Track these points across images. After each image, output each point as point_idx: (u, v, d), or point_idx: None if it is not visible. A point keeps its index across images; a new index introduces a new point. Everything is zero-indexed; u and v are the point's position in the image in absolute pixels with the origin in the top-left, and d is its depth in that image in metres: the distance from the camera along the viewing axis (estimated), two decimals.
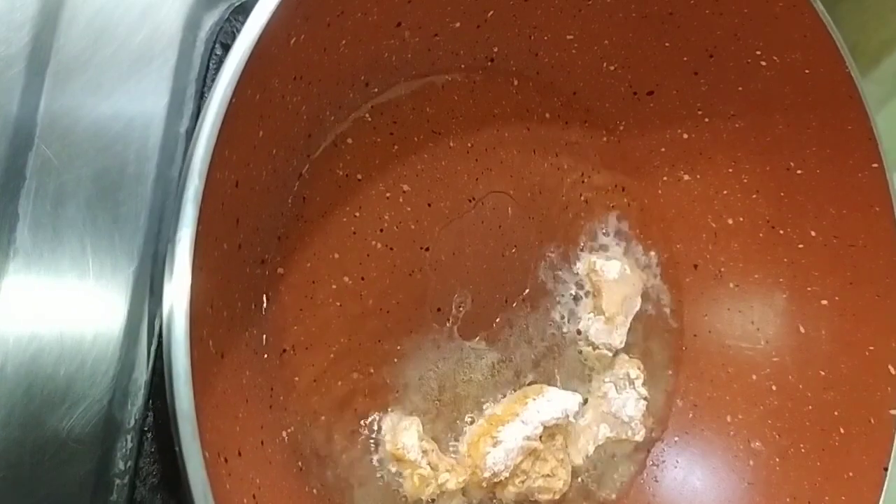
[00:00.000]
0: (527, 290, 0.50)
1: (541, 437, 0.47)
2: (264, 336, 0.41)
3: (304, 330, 0.42)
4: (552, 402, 0.47)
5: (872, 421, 0.49)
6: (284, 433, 0.41)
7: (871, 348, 0.50)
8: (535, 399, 0.47)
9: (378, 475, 0.44)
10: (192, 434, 0.27)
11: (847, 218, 0.51)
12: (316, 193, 0.43)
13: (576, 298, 0.51)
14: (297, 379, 0.42)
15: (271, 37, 0.34)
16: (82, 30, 0.42)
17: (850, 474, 0.48)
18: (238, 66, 0.30)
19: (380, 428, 0.44)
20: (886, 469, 0.46)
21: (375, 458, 0.44)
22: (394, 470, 0.44)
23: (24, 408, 0.38)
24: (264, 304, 0.41)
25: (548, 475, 0.47)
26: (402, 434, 0.43)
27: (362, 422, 0.44)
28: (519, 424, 0.46)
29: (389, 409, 0.45)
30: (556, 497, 0.48)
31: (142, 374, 0.41)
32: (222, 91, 0.29)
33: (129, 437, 0.41)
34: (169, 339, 0.28)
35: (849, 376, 0.50)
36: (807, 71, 0.49)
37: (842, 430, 0.50)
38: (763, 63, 0.50)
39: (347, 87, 0.44)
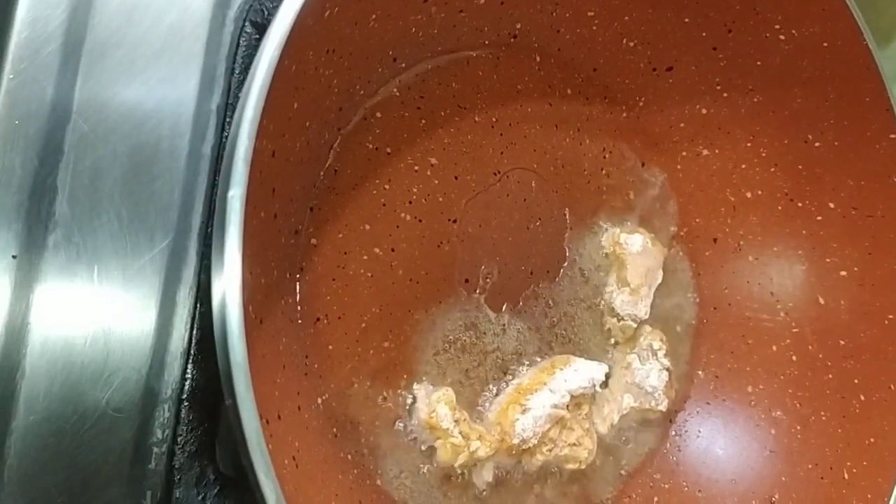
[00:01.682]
0: (552, 263, 0.51)
1: (567, 406, 0.47)
2: (298, 305, 0.42)
3: (337, 299, 0.43)
4: (579, 372, 0.48)
5: (893, 387, 0.49)
6: (319, 400, 0.42)
7: (891, 317, 0.50)
8: (562, 369, 0.48)
9: (409, 443, 0.45)
10: (246, 384, 0.28)
11: (865, 189, 0.51)
12: (347, 166, 0.44)
13: (600, 271, 0.52)
14: (330, 347, 0.43)
15: (309, 8, 0.35)
16: (116, 8, 0.43)
17: (872, 440, 0.49)
18: (285, 32, 0.31)
19: (414, 398, 0.45)
20: None
21: (408, 426, 0.45)
22: (426, 438, 0.45)
23: (64, 378, 0.39)
24: (298, 274, 0.42)
25: (574, 444, 0.48)
26: (436, 404, 0.44)
27: (394, 391, 0.44)
28: (547, 393, 0.47)
29: (422, 379, 0.45)
30: (582, 466, 0.49)
31: (178, 345, 0.42)
32: (270, 54, 0.30)
33: (166, 407, 0.41)
34: (225, 298, 0.28)
35: (868, 345, 0.51)
36: (825, 44, 0.49)
37: (862, 398, 0.50)
38: (781, 37, 0.50)
39: (376, 61, 0.45)
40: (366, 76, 0.44)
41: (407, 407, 0.45)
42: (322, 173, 0.43)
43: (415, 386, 0.45)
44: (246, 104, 0.29)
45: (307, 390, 0.41)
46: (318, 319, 0.43)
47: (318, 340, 0.42)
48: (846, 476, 0.49)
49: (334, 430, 0.42)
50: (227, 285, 0.29)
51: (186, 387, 0.42)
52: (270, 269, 0.39)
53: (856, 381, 0.51)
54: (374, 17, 0.42)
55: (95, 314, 0.40)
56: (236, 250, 0.28)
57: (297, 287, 0.42)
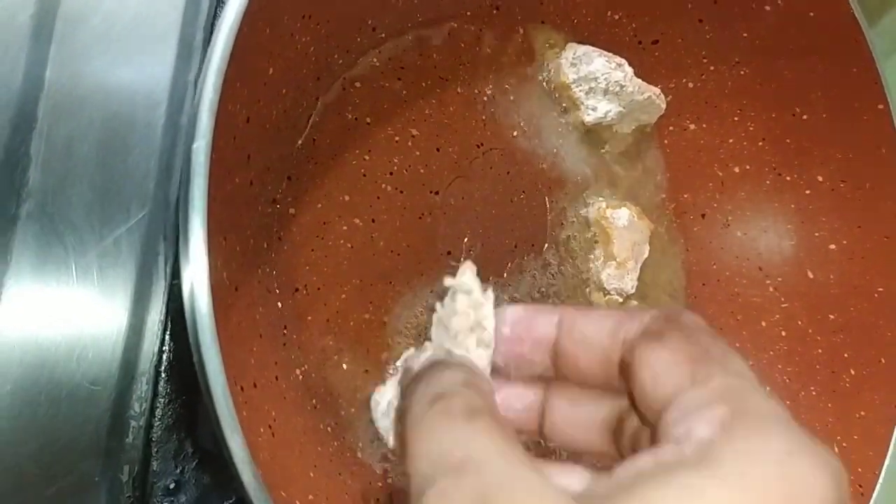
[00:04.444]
0: (536, 236, 0.50)
1: None
2: (276, 275, 0.41)
3: (316, 270, 0.43)
4: None
5: (883, 361, 0.49)
6: (298, 371, 0.41)
7: (880, 289, 0.50)
8: None
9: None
10: (212, 339, 0.27)
11: (854, 162, 0.51)
12: (326, 136, 0.43)
13: (586, 245, 0.52)
14: (309, 318, 0.42)
15: None
16: None
17: (862, 413, 0.48)
18: None
19: (396, 370, 0.44)
20: None
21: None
22: None
23: (37, 349, 0.38)
24: (276, 244, 0.41)
25: None
26: None
27: (376, 363, 0.44)
28: None
29: (403, 351, 0.45)
30: None
31: (156, 317, 0.41)
32: (236, 7, 0.29)
33: (144, 380, 0.41)
34: (189, 249, 0.28)
35: (858, 319, 0.50)
36: (811, 14, 0.49)
37: (852, 372, 0.50)
38: (767, 7, 0.50)
39: (355, 30, 0.44)
40: (344, 45, 0.44)
41: (389, 379, 0.44)
42: (300, 142, 0.43)
43: (396, 358, 0.44)
44: (212, 54, 0.28)
45: (285, 361, 0.41)
46: (296, 290, 0.42)
47: (296, 311, 0.42)
48: (836, 450, 0.48)
49: (313, 401, 0.42)
50: (193, 239, 0.28)
51: (164, 359, 0.42)
52: (246, 237, 0.39)
53: (846, 355, 0.50)
54: None
55: (70, 285, 0.39)
56: (200, 206, 0.28)
57: (275, 257, 0.41)
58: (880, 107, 0.49)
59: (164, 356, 0.42)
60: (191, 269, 0.28)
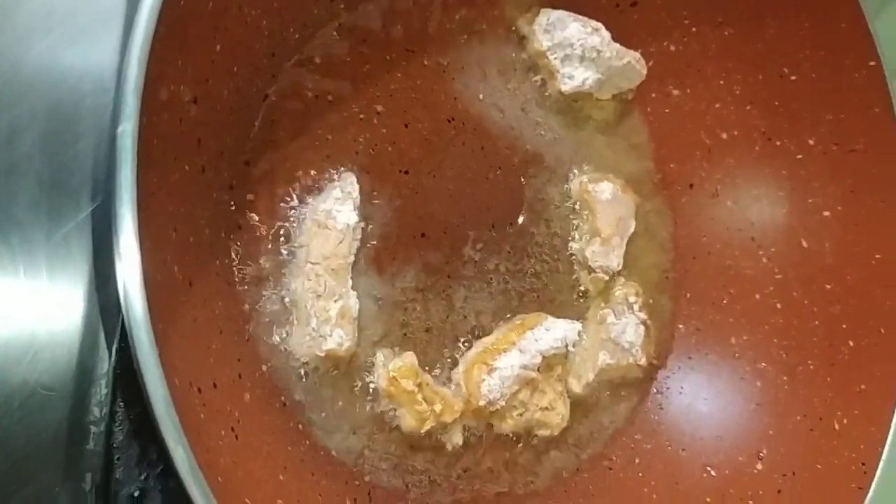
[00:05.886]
0: (514, 213, 0.47)
1: (538, 367, 0.44)
2: (236, 266, 0.39)
3: (280, 260, 0.40)
4: (550, 332, 0.45)
5: (883, 331, 0.47)
6: (264, 367, 0.39)
7: (878, 256, 0.48)
8: (532, 329, 0.45)
9: (369, 410, 0.42)
10: (149, 345, 0.25)
11: (846, 122, 0.48)
12: (284, 116, 0.41)
13: (568, 220, 0.49)
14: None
15: None
16: None
17: (862, 387, 0.46)
18: None
19: (372, 364, 0.42)
20: None
21: (367, 396, 0.42)
22: (388, 407, 0.42)
23: None
24: (234, 234, 0.39)
25: (546, 408, 0.45)
26: (396, 369, 0.41)
27: (352, 356, 0.41)
28: (516, 353, 0.44)
29: (379, 342, 0.42)
30: (555, 433, 0.46)
31: (111, 317, 0.39)
32: None
33: (102, 383, 0.39)
34: (118, 240, 0.25)
35: (855, 288, 0.48)
36: None
37: (851, 344, 0.48)
38: None
39: (311, 2, 0.42)
40: (300, 18, 0.41)
41: (364, 374, 0.42)
42: (257, 124, 0.40)
43: (375, 353, 0.42)
44: (136, 28, 0.26)
45: (249, 357, 0.38)
46: (259, 280, 0.40)
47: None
48: (836, 426, 0.46)
49: (282, 398, 0.39)
50: (123, 236, 0.26)
51: (122, 361, 0.39)
52: (200, 227, 0.36)
53: (843, 326, 0.48)
54: None
55: (17, 286, 0.37)
56: (129, 197, 0.25)
57: (234, 246, 0.39)
58: (872, 64, 0.47)
59: (122, 357, 0.39)
60: (123, 267, 0.25)
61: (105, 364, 0.39)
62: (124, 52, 0.40)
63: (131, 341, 0.26)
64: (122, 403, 0.39)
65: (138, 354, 0.26)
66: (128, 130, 0.25)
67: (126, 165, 0.25)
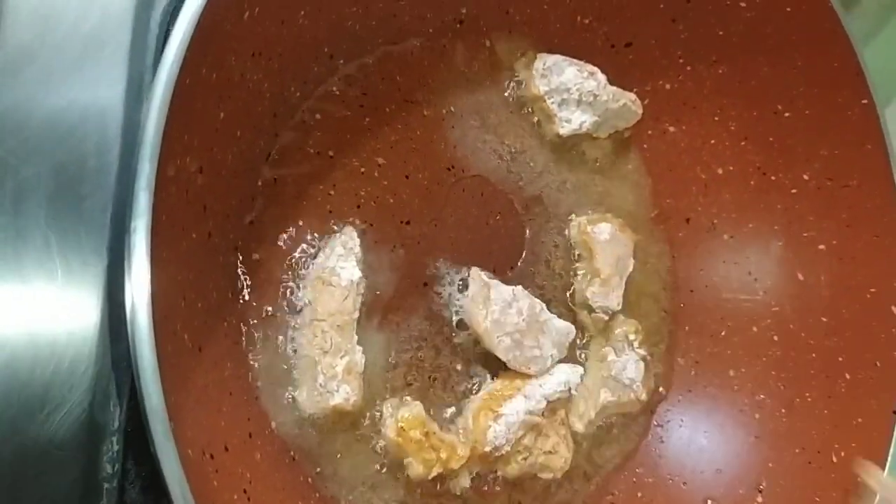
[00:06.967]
0: (515, 257, 0.48)
1: (543, 412, 0.45)
2: (243, 325, 0.40)
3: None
4: (554, 375, 0.46)
5: (878, 364, 0.47)
6: (273, 423, 0.40)
7: (873, 290, 0.48)
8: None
9: (377, 459, 0.42)
10: (164, 432, 0.26)
11: (839, 158, 0.49)
12: (287, 174, 0.42)
13: (568, 262, 0.50)
14: (284, 367, 0.40)
15: (222, 12, 0.32)
16: (27, 17, 0.40)
17: (860, 420, 0.47)
18: (182, 43, 0.28)
19: (379, 414, 0.43)
20: None
21: (376, 443, 0.42)
22: (396, 456, 0.42)
23: (0, 417, 0.36)
24: (242, 293, 0.40)
25: (549, 452, 0.46)
26: (403, 419, 0.42)
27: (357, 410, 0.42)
28: (521, 399, 0.44)
29: (387, 389, 0.43)
30: (558, 476, 0.47)
31: (123, 375, 0.40)
32: (167, 69, 0.27)
33: (114, 440, 0.39)
34: (133, 335, 0.26)
35: (851, 321, 0.49)
36: (788, 9, 0.47)
37: (847, 376, 0.48)
38: (742, 4, 0.48)
39: (311, 60, 0.42)
40: (301, 77, 0.42)
41: (372, 425, 0.43)
42: (260, 183, 0.41)
43: (382, 404, 0.43)
44: (146, 125, 0.26)
45: (258, 415, 0.39)
46: (267, 338, 0.40)
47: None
48: (834, 459, 0.47)
49: (291, 453, 0.40)
50: (137, 321, 0.26)
51: (132, 418, 0.40)
52: (208, 291, 0.37)
53: (840, 359, 0.49)
54: (302, 13, 0.39)
55: (30, 347, 0.38)
56: (144, 293, 0.26)
57: (242, 307, 0.39)
58: (864, 101, 0.47)
59: (132, 413, 0.40)
60: (136, 347, 0.26)
61: (116, 420, 0.39)
62: (136, 112, 0.41)
63: (145, 421, 0.27)
64: (133, 460, 0.40)
65: (153, 436, 0.26)
66: (140, 227, 0.26)
67: (139, 262, 0.26)
